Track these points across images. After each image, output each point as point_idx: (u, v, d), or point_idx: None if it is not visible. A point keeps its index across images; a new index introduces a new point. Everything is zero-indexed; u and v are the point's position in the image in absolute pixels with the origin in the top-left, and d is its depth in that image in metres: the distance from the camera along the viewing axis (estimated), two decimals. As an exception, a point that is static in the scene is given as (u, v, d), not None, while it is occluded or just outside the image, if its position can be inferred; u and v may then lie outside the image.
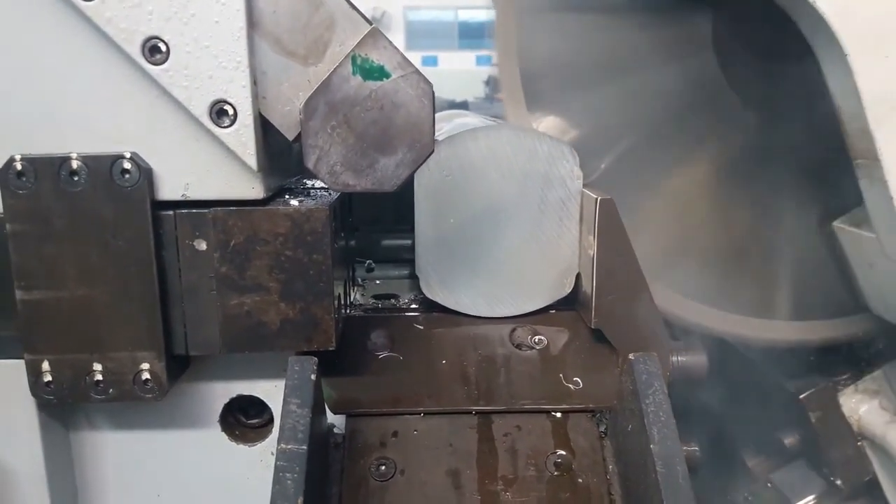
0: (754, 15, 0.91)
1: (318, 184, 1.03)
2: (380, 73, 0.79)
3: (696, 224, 1.28)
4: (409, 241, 1.07)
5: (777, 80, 1.09)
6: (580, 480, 0.87)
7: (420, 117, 0.81)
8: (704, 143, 1.28)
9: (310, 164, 0.81)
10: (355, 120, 0.80)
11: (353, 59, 0.79)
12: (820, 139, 0.99)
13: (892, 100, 0.86)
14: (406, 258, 1.13)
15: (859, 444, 1.25)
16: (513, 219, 1.03)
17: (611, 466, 0.89)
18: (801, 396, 1.25)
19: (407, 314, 1.05)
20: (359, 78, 0.80)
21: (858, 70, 0.85)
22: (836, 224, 1.10)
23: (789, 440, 1.26)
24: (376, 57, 0.79)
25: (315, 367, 0.81)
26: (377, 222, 1.22)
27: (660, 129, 1.28)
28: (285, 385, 0.80)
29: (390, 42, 0.79)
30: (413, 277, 1.07)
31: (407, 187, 1.00)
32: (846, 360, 1.27)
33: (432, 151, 0.82)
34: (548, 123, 1.31)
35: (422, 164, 0.82)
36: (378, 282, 1.17)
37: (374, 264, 1.21)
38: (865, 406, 1.25)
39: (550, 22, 1.23)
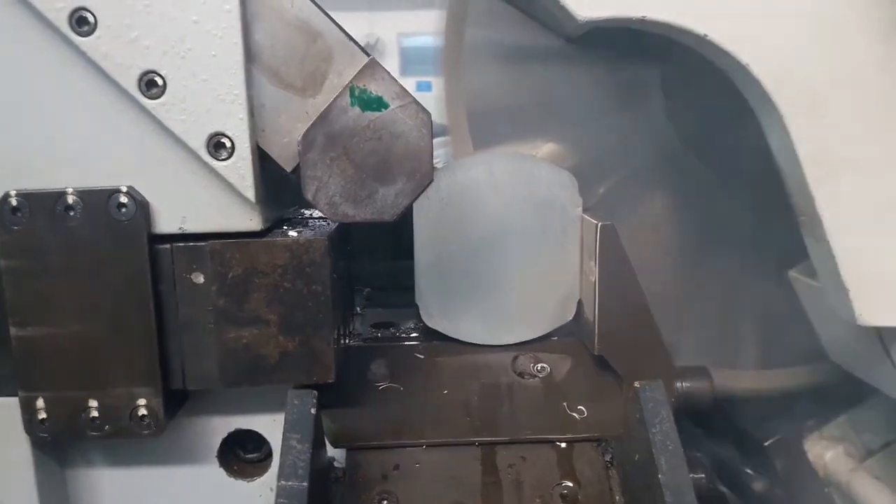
0: (700, 69, 0.91)
1: (317, 213, 1.02)
2: (378, 104, 0.79)
3: (655, 275, 1.26)
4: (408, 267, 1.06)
5: (727, 134, 1.09)
6: (587, 512, 0.86)
7: (419, 147, 0.80)
8: (658, 193, 1.27)
9: (309, 196, 0.80)
10: (354, 151, 0.80)
11: (352, 90, 0.79)
12: (777, 189, 0.99)
13: (829, 161, 0.87)
14: (405, 285, 1.12)
15: (827, 490, 1.24)
16: (513, 246, 1.02)
17: (617, 497, 0.87)
18: (767, 443, 1.24)
19: (407, 343, 1.03)
20: (357, 109, 0.79)
21: (794, 131, 0.86)
22: (792, 273, 1.10)
23: (758, 486, 1.25)
24: (374, 88, 0.79)
25: (315, 401, 0.80)
26: (375, 251, 1.21)
27: (610, 178, 1.26)
28: (285, 420, 0.78)
29: (388, 73, 0.79)
30: (412, 305, 1.05)
31: (405, 216, 1.00)
32: (812, 407, 1.27)
33: (432, 180, 0.82)
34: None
35: (421, 192, 0.82)
36: (379, 309, 1.16)
37: (371, 292, 1.20)
38: (830, 452, 1.25)
39: (496, 69, 1.23)
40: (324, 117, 0.79)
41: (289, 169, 0.82)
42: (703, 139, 1.20)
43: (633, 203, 1.26)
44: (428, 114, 0.80)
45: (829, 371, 1.18)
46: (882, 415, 1.13)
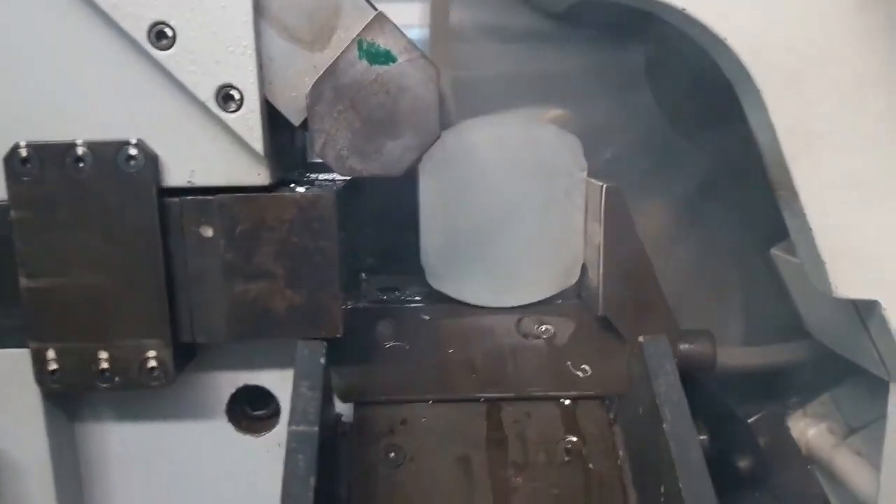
0: (684, 49, 0.91)
1: (323, 175, 1.02)
2: (386, 58, 0.80)
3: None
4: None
5: (714, 113, 1.09)
6: (591, 466, 0.87)
7: (426, 101, 0.81)
8: (648, 175, 1.27)
9: (316, 149, 0.81)
10: (361, 104, 0.80)
11: (360, 43, 0.79)
12: (762, 167, 0.99)
13: (805, 134, 0.87)
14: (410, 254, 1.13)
15: (809, 467, 1.25)
16: (518, 209, 1.02)
17: (621, 452, 0.88)
18: (750, 420, 1.25)
19: (413, 305, 1.04)
20: (365, 62, 0.80)
21: (771, 106, 0.86)
22: (773, 251, 1.11)
23: (743, 464, 1.27)
24: (382, 41, 0.79)
25: (324, 352, 0.81)
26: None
27: (597, 161, 1.26)
28: (294, 369, 0.79)
29: (396, 26, 0.79)
30: (418, 272, 1.06)
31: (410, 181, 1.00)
32: (795, 384, 1.28)
33: (439, 136, 0.82)
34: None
35: (428, 148, 0.82)
36: (384, 276, 1.16)
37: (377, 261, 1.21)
38: (813, 430, 1.26)
39: (482, 47, 1.22)
40: (332, 71, 0.79)
41: (296, 123, 0.83)
42: (690, 119, 1.21)
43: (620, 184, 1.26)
44: (436, 68, 0.80)
45: (813, 348, 1.19)
46: (865, 392, 1.13)
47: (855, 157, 0.88)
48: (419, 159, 0.84)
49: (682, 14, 0.84)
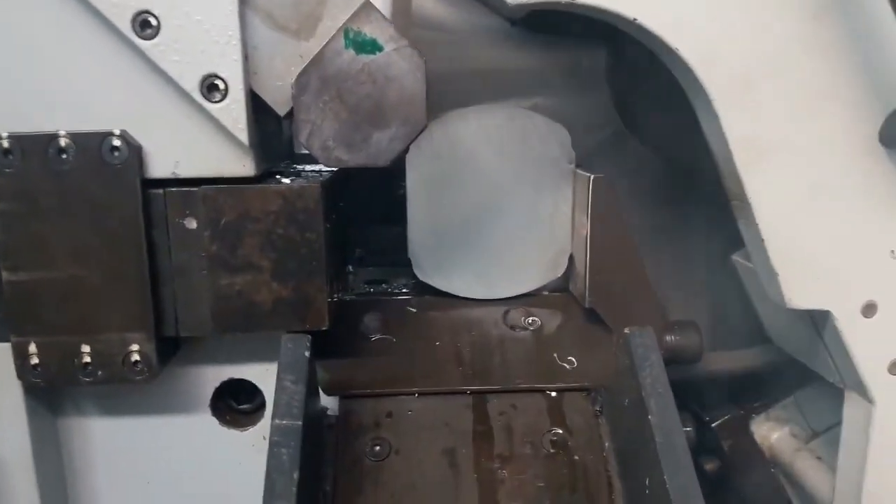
0: (643, 53, 0.91)
1: (309, 167, 1.02)
2: (372, 47, 0.79)
3: None
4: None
5: (673, 118, 1.09)
6: (576, 458, 0.87)
7: (413, 91, 0.80)
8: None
9: (302, 139, 0.80)
10: (348, 94, 0.80)
11: (346, 32, 0.79)
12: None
13: (757, 144, 0.87)
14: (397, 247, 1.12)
15: (773, 470, 1.27)
16: (505, 200, 1.02)
17: (607, 444, 0.88)
18: (714, 424, 1.26)
19: (400, 297, 1.04)
20: (351, 52, 0.79)
21: (724, 116, 0.87)
22: (734, 257, 1.12)
23: (709, 466, 1.28)
24: (369, 30, 0.79)
25: (308, 345, 0.80)
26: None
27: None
28: (279, 363, 0.79)
29: (382, 15, 0.79)
30: (405, 265, 1.06)
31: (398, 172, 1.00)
32: (759, 388, 1.29)
33: (426, 126, 0.81)
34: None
35: (415, 138, 0.82)
36: (372, 268, 1.16)
37: (364, 254, 1.20)
38: (776, 434, 1.27)
39: (441, 43, 1.21)
40: (318, 60, 0.79)
41: (282, 113, 0.82)
42: (646, 124, 1.21)
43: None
44: (422, 58, 0.79)
45: (776, 353, 1.20)
46: (827, 396, 1.14)
47: (807, 168, 0.89)
48: (406, 149, 0.83)
49: (633, 24, 0.84)
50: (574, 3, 0.83)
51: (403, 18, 1.11)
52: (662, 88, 0.96)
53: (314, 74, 0.79)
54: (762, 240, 0.90)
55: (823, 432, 1.23)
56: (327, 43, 0.78)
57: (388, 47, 0.79)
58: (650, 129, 1.21)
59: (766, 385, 1.29)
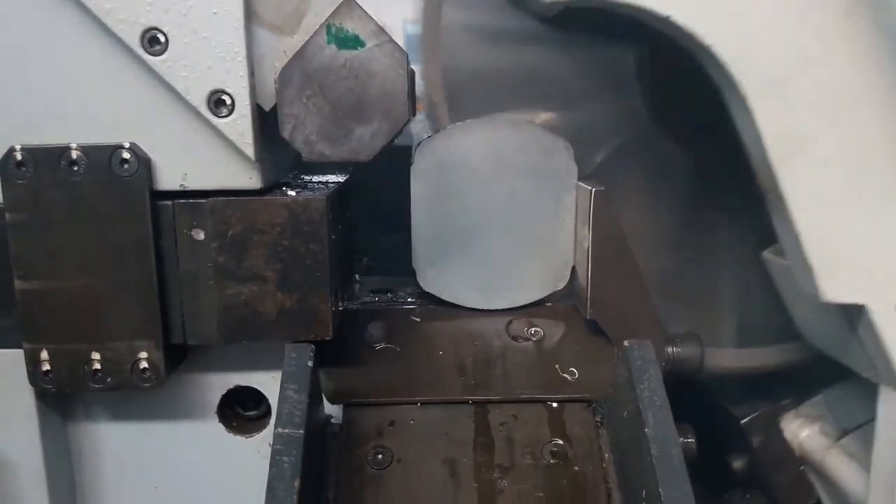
0: (674, 53, 0.92)
1: (316, 178, 1.03)
2: (354, 42, 0.80)
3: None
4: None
5: (705, 115, 1.09)
6: (576, 468, 0.88)
7: (395, 86, 0.81)
8: (635, 175, 1.28)
9: (285, 134, 0.81)
10: (330, 89, 0.81)
11: (328, 28, 0.80)
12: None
13: (791, 139, 0.88)
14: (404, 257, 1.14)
15: (802, 468, 1.26)
16: (508, 212, 1.03)
17: (607, 455, 0.89)
18: (743, 421, 1.26)
19: (404, 307, 1.05)
20: (333, 47, 0.80)
21: (758, 111, 0.87)
22: (765, 254, 1.11)
23: (737, 464, 1.27)
24: (351, 26, 0.80)
25: (312, 355, 0.82)
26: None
27: (587, 164, 1.26)
28: (282, 372, 0.80)
29: (365, 11, 0.80)
30: (411, 274, 1.07)
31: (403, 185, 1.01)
32: (789, 386, 1.29)
33: (408, 121, 0.83)
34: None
35: (398, 134, 0.83)
36: (378, 277, 1.17)
37: (371, 263, 1.22)
38: (806, 431, 1.26)
39: (474, 50, 1.23)
40: (300, 55, 0.80)
41: (266, 108, 0.83)
42: (678, 121, 1.21)
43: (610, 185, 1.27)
44: (404, 53, 0.80)
45: (806, 350, 1.20)
46: (858, 394, 1.13)
47: (842, 162, 0.89)
48: (389, 144, 0.84)
49: (666, 21, 0.84)
50: (607, 0, 0.84)
51: (434, 25, 1.13)
52: (693, 85, 0.97)
53: (297, 69, 0.80)
54: (797, 234, 0.90)
55: (854, 430, 1.21)
56: (310, 38, 0.80)
57: (370, 43, 0.80)
58: (681, 127, 1.22)
59: (795, 382, 1.28)
